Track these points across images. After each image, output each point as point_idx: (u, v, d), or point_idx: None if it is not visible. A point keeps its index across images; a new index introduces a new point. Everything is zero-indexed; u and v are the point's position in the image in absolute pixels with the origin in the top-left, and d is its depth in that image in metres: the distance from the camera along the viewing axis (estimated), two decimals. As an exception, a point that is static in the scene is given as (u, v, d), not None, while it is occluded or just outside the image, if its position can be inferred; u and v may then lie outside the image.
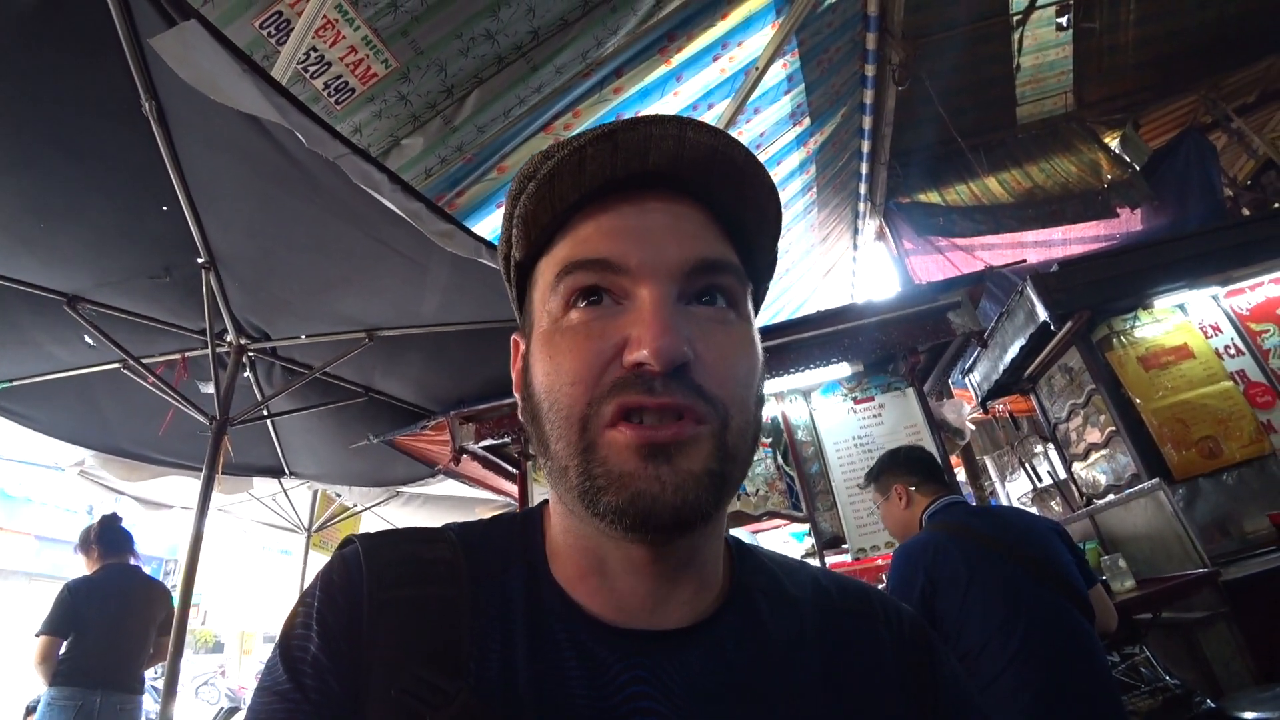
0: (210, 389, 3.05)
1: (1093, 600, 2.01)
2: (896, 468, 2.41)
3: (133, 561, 3.78)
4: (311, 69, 2.84)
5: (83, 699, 3.29)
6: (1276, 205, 5.91)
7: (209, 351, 2.90)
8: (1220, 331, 3.66)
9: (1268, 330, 3.61)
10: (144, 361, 3.01)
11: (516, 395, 0.59)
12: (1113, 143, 6.98)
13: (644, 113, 3.51)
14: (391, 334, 3.15)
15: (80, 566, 3.72)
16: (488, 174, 3.77)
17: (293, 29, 2.59)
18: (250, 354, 3.24)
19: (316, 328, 3.17)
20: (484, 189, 3.82)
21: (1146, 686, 2.28)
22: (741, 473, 0.51)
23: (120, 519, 3.85)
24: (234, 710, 7.47)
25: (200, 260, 2.54)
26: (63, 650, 3.36)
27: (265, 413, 3.70)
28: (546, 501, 0.62)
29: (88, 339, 2.89)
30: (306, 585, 0.57)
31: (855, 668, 0.58)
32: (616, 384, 0.47)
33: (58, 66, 1.77)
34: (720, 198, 0.54)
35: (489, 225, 3.98)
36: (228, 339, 3.05)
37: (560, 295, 0.52)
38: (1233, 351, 3.59)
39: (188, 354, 3.21)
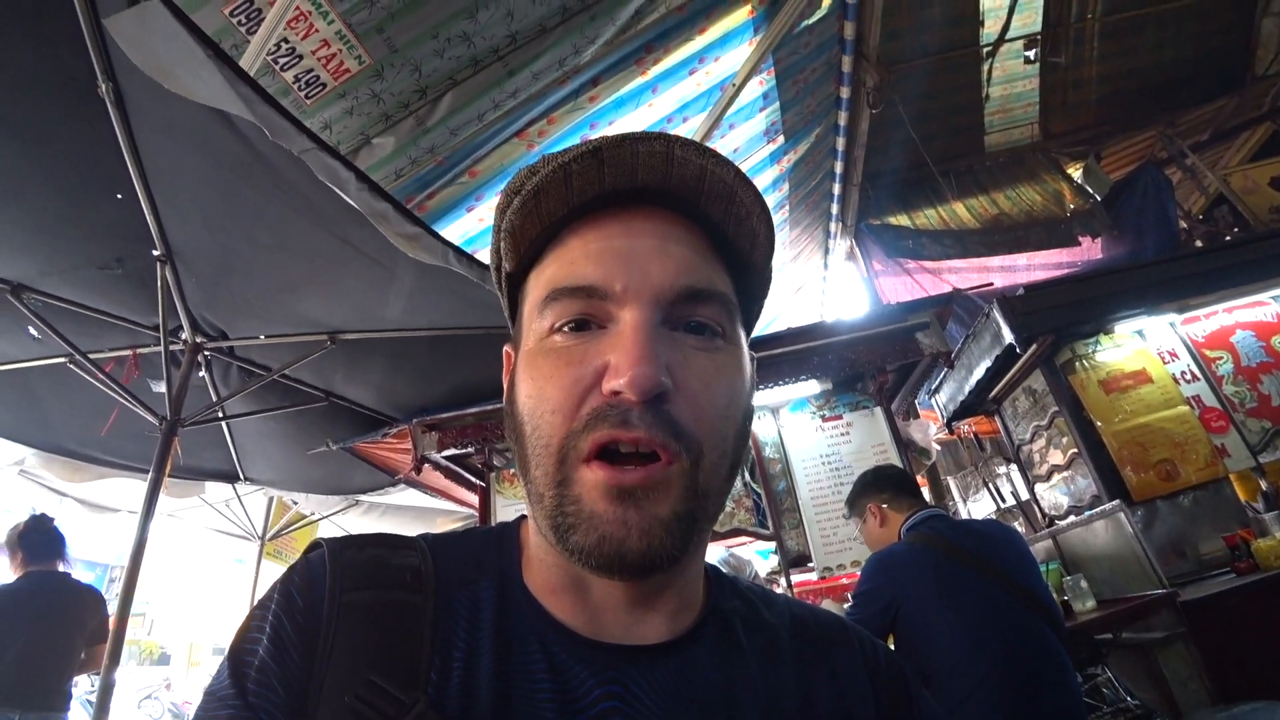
0: (162, 388, 2.92)
1: None
2: (867, 489, 2.41)
3: (62, 567, 3.47)
4: (282, 61, 2.77)
5: None
6: (1229, 238, 6.15)
7: (162, 349, 2.78)
8: (1177, 357, 3.78)
9: (1221, 357, 3.74)
10: (92, 357, 2.87)
11: (506, 407, 0.59)
12: (1075, 173, 7.21)
13: (619, 123, 3.51)
14: (354, 337, 3.06)
15: (4, 570, 3.45)
16: (459, 177, 3.71)
17: (264, 19, 2.52)
18: (206, 353, 3.12)
19: (277, 328, 3.06)
20: (455, 192, 3.76)
21: (1109, 707, 2.30)
22: (716, 508, 0.51)
23: (51, 520, 3.54)
24: (178, 725, 7.11)
25: (156, 253, 2.43)
26: None
27: (220, 414, 3.56)
28: (524, 516, 0.61)
29: (32, 331, 2.74)
30: (265, 590, 0.55)
31: (830, 691, 0.58)
32: (594, 415, 0.47)
33: (6, 39, 1.68)
34: (710, 216, 0.54)
35: (459, 229, 3.92)
36: (183, 336, 2.93)
37: (547, 319, 0.51)
38: (1189, 377, 3.71)
39: (139, 350, 3.07)
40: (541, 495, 0.49)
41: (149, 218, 2.24)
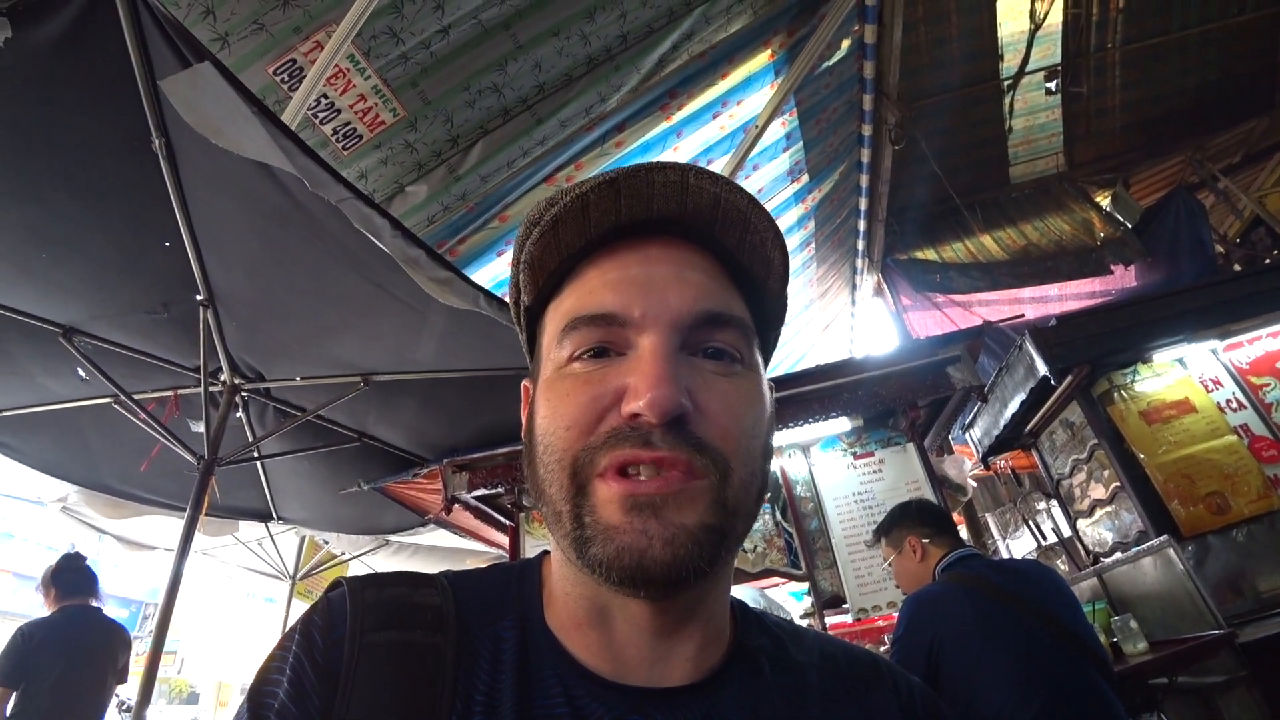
0: (200, 428, 3.00)
1: None
2: (909, 520, 2.34)
3: (94, 603, 3.56)
4: (321, 115, 2.91)
5: None
6: (1268, 260, 6.00)
7: (202, 390, 2.87)
8: (1221, 385, 3.64)
9: (1268, 383, 3.59)
10: (136, 397, 2.97)
11: (524, 439, 0.59)
12: (1104, 202, 7.14)
13: (645, 164, 3.61)
14: (387, 379, 3.12)
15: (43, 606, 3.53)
16: (489, 223, 3.82)
17: (305, 76, 2.67)
18: (244, 394, 3.21)
19: (312, 370, 3.14)
20: (485, 237, 3.86)
21: (1166, 757, 2.17)
22: (745, 527, 0.50)
23: (83, 558, 3.63)
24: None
25: (199, 297, 2.54)
26: (13, 702, 3.13)
27: (255, 454, 3.64)
28: (548, 552, 0.61)
29: (80, 372, 2.85)
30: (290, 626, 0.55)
31: None
32: (613, 435, 0.47)
33: (72, 101, 1.80)
34: (725, 244, 0.54)
35: (489, 273, 4.02)
36: (222, 378, 3.02)
37: (566, 348, 0.51)
38: (1235, 405, 3.57)
39: (180, 391, 3.17)
40: (559, 513, 0.48)
41: (194, 264, 2.35)
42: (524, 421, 0.60)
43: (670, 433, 0.45)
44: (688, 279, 0.52)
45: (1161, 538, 3.17)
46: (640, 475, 0.46)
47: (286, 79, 2.75)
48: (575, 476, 0.47)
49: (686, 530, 0.45)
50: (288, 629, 0.54)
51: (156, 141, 1.86)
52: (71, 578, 3.50)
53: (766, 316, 0.59)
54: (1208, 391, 3.62)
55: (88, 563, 3.63)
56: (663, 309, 0.49)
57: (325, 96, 2.86)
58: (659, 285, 0.51)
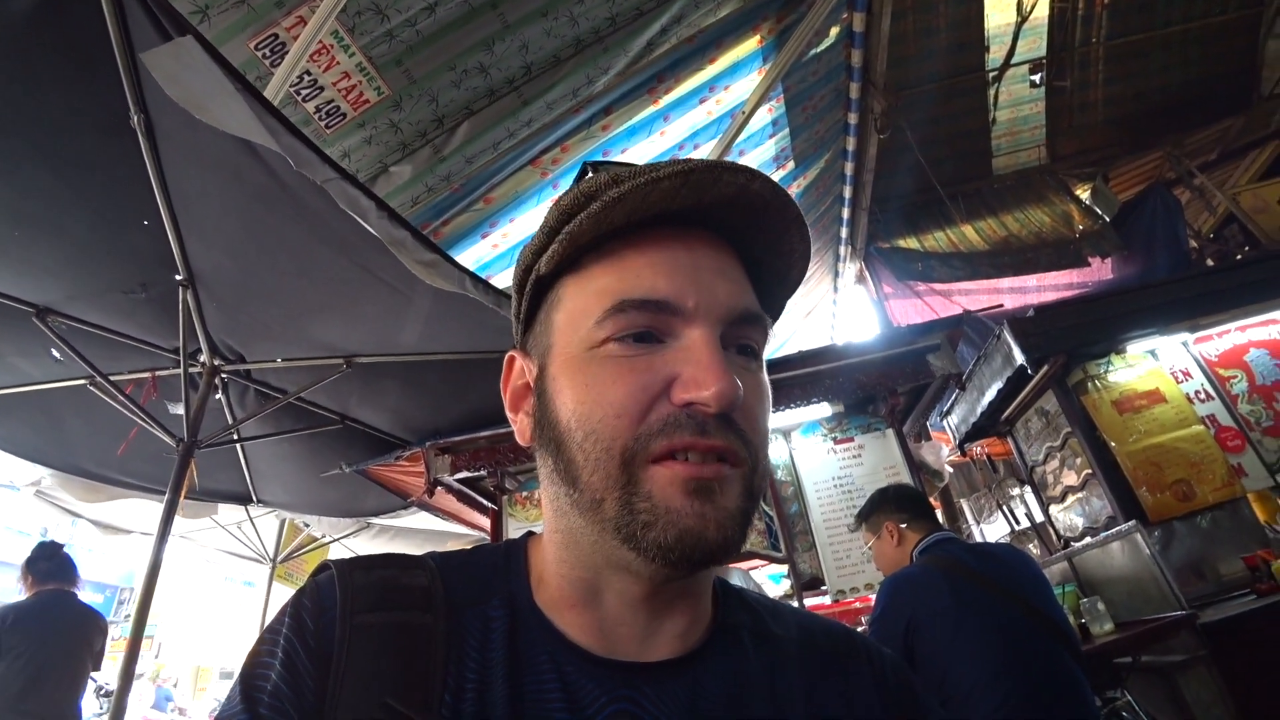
0: (179, 410, 2.95)
1: None
2: (886, 505, 2.39)
3: (71, 589, 3.55)
4: (304, 92, 2.86)
5: None
6: (1240, 256, 6.15)
7: (181, 371, 2.83)
8: (1190, 377, 3.76)
9: (1235, 376, 3.72)
10: (112, 379, 2.91)
11: (516, 415, 0.60)
12: (1084, 195, 7.24)
13: (631, 151, 3.55)
14: (370, 361, 3.09)
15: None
16: (474, 204, 3.78)
17: (288, 52, 2.61)
18: (223, 376, 3.16)
19: (293, 352, 3.10)
20: (469, 219, 3.83)
21: (1129, 732, 2.26)
22: (756, 512, 0.52)
23: (59, 546, 3.63)
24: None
25: (178, 277, 2.49)
26: None
27: (235, 436, 3.60)
28: (531, 533, 0.63)
29: (55, 353, 2.79)
30: (275, 613, 0.55)
31: (839, 703, 0.58)
32: (667, 422, 0.48)
33: (48, 75, 1.75)
34: (753, 245, 0.56)
35: (473, 255, 3.99)
36: (201, 359, 2.97)
37: (606, 329, 0.51)
38: (1203, 396, 3.69)
39: (158, 373, 3.12)
40: (600, 500, 0.49)
41: (173, 244, 2.30)
42: (511, 397, 0.61)
43: (721, 423, 0.48)
44: (729, 274, 0.53)
45: (1129, 523, 3.28)
46: (691, 460, 0.47)
47: (268, 54, 2.69)
48: (627, 465, 0.48)
49: (730, 514, 0.48)
50: (277, 613, 0.54)
51: (135, 117, 1.82)
52: (46, 565, 3.49)
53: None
54: (1178, 383, 3.74)
55: (64, 550, 3.62)
56: (713, 302, 0.51)
57: (308, 73, 2.81)
58: (707, 277, 0.52)
